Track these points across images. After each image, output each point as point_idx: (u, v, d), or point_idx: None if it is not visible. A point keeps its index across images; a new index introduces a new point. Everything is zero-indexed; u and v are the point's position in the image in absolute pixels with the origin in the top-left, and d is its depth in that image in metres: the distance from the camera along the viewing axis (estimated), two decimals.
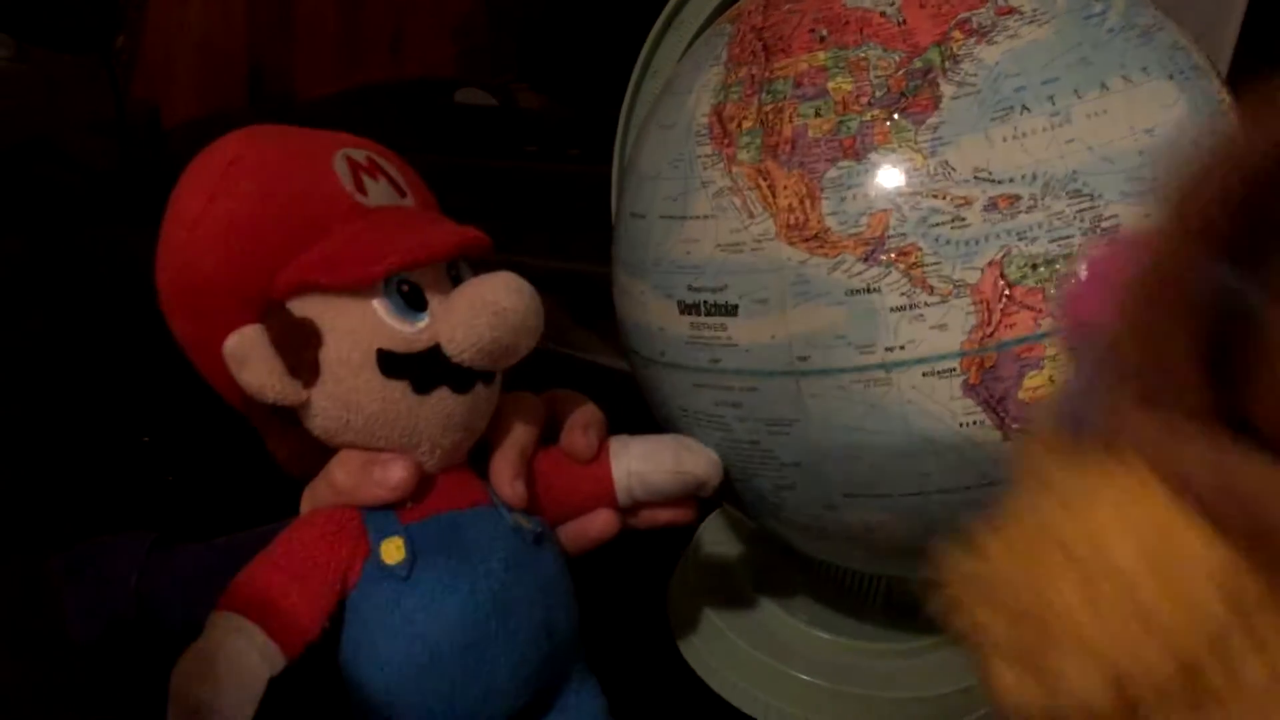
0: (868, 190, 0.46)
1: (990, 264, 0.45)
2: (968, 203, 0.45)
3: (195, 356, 0.46)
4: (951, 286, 0.45)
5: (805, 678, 0.62)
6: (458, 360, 0.44)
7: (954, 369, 0.46)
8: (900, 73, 0.47)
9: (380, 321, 0.43)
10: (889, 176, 0.46)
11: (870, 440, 0.48)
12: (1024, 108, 0.46)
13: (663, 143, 0.53)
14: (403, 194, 0.47)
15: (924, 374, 0.46)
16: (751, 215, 0.48)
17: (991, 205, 0.45)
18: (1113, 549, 0.21)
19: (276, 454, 0.48)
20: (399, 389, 0.44)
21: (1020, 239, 0.45)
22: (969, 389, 0.46)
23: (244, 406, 0.46)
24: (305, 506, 0.48)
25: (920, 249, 0.46)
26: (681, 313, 0.51)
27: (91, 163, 1.14)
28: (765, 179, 0.48)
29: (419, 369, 0.44)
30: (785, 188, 0.47)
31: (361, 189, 0.45)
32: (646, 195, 0.53)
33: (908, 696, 0.62)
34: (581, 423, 0.52)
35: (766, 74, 0.49)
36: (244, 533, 0.51)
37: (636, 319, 0.55)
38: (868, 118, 0.47)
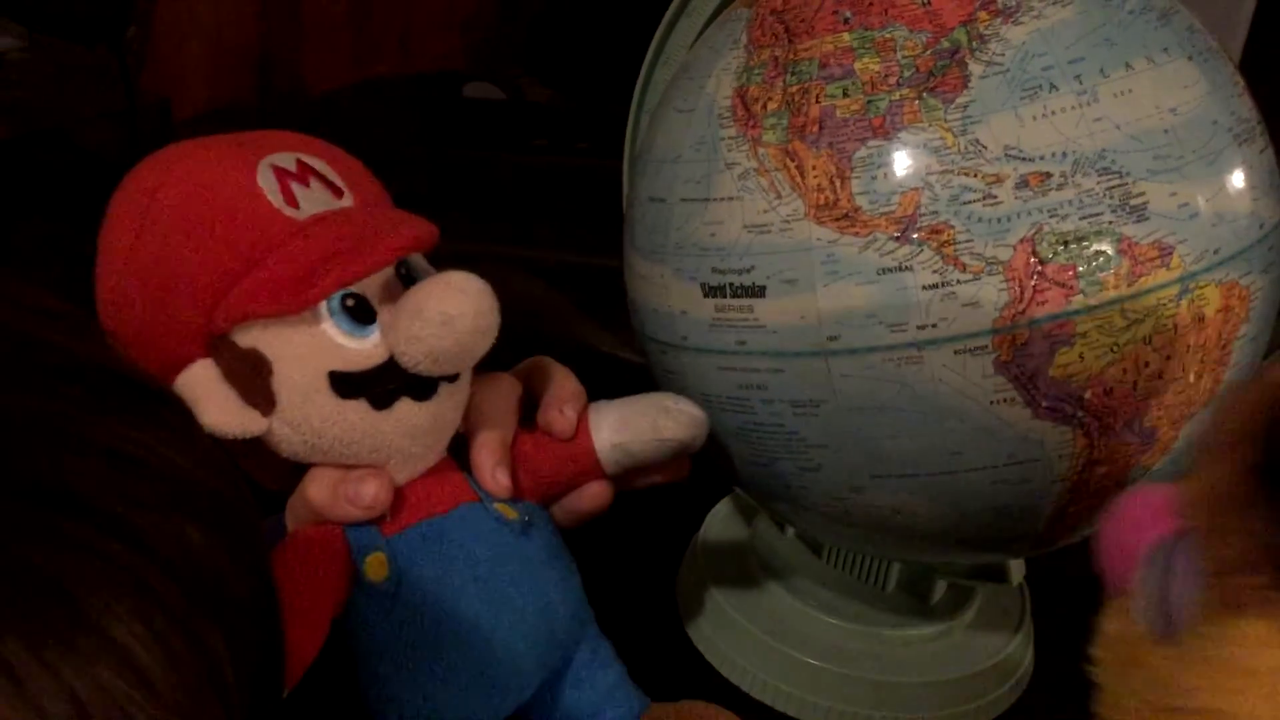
0: (898, 169, 0.46)
1: (1022, 241, 0.45)
2: (999, 180, 0.45)
3: None
4: (984, 264, 0.45)
5: (814, 662, 0.62)
6: (414, 371, 0.42)
7: (986, 346, 0.46)
8: (928, 53, 0.47)
9: (328, 342, 0.41)
10: (919, 155, 0.46)
11: (900, 419, 0.48)
12: (1052, 86, 0.46)
13: (682, 126, 0.53)
14: (339, 193, 0.44)
15: (955, 351, 0.46)
16: (779, 196, 0.48)
17: (1023, 183, 0.45)
18: None
19: (250, 473, 0.46)
20: (357, 409, 0.42)
21: (1052, 216, 0.45)
22: (1001, 366, 0.46)
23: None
24: (289, 520, 0.47)
25: (952, 227, 0.46)
26: (705, 295, 0.51)
27: (102, 153, 1.13)
28: (793, 159, 0.48)
29: (375, 385, 0.42)
30: (814, 168, 0.47)
31: (292, 201, 0.42)
32: (665, 179, 0.53)
33: (916, 681, 0.62)
34: (558, 400, 0.50)
35: (790, 55, 0.49)
36: None
37: (656, 304, 0.54)
38: (896, 97, 0.47)
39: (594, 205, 0.55)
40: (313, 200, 0.42)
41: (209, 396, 0.41)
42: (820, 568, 0.66)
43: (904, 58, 0.47)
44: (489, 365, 0.47)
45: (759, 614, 0.65)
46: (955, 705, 0.62)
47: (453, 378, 0.44)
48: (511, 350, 0.51)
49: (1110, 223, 0.45)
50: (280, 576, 0.41)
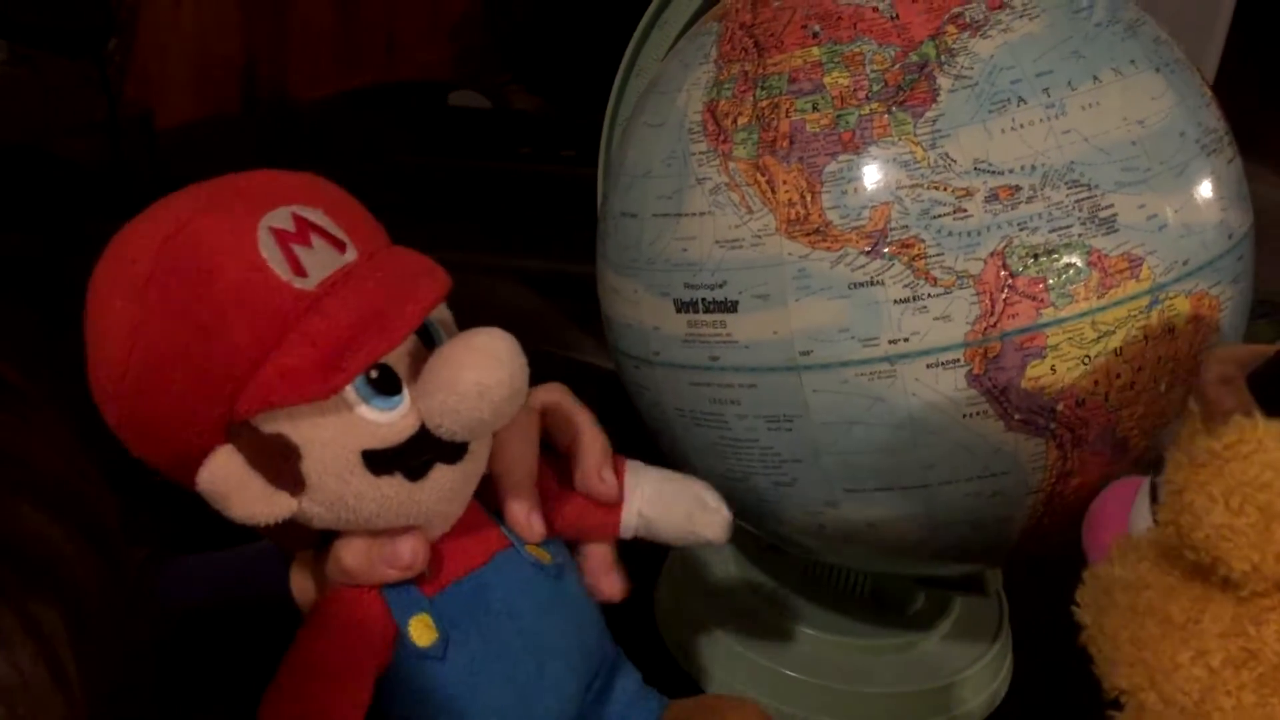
0: (868, 183, 0.46)
1: (993, 254, 0.45)
2: (969, 194, 0.46)
3: (171, 476, 0.41)
4: (955, 277, 0.46)
5: (791, 674, 0.62)
6: (449, 440, 0.41)
7: (958, 359, 0.46)
8: (896, 67, 0.47)
9: (357, 420, 0.39)
10: (889, 169, 0.46)
11: (873, 434, 0.48)
12: (1020, 99, 0.46)
13: (653, 141, 0.53)
14: (342, 247, 0.40)
15: (928, 365, 0.46)
16: (750, 211, 0.48)
17: (993, 196, 0.45)
18: None
19: (271, 540, 0.46)
20: (392, 483, 0.40)
21: (1021, 229, 0.45)
22: (973, 379, 0.46)
23: None
24: (299, 576, 0.46)
25: (923, 241, 0.46)
26: (678, 311, 0.51)
27: (84, 165, 1.12)
28: (764, 174, 0.48)
29: (409, 458, 0.40)
30: (785, 182, 0.47)
31: (298, 269, 0.39)
32: (637, 194, 0.53)
33: (893, 692, 0.62)
34: (596, 463, 0.49)
35: (760, 70, 0.49)
36: (233, 550, 0.49)
37: (628, 319, 0.54)
38: (866, 111, 0.47)
39: (579, 213, 0.55)
40: (318, 263, 0.39)
41: (238, 487, 0.39)
42: (795, 578, 0.66)
43: (873, 72, 0.47)
44: None
45: (736, 626, 0.64)
46: (933, 715, 0.62)
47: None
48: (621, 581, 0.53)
49: (1080, 235, 0.46)
50: (321, 646, 0.43)
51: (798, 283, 0.47)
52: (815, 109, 0.47)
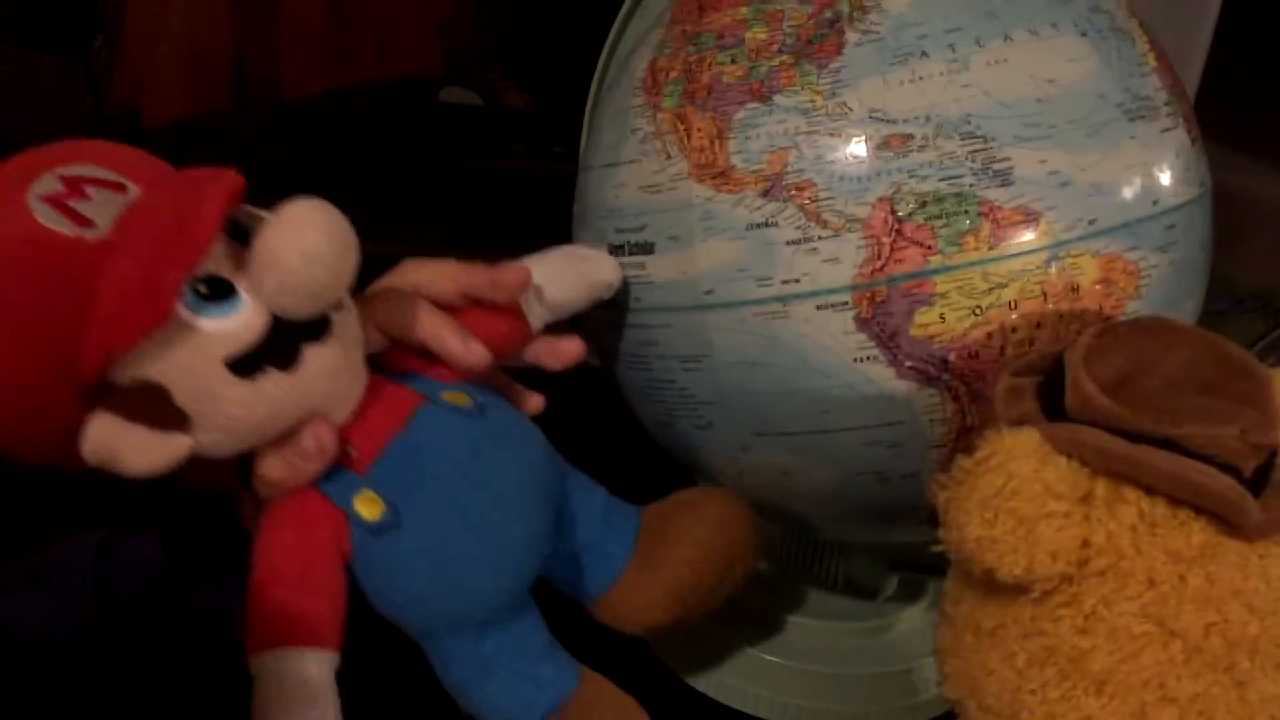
0: (771, 129, 0.48)
1: (880, 200, 0.47)
2: (862, 140, 0.47)
3: (70, 465, 0.40)
4: (844, 221, 0.47)
5: (769, 658, 0.63)
6: (300, 318, 0.40)
7: (846, 302, 0.47)
8: (811, 22, 0.49)
9: (206, 336, 0.38)
10: (790, 116, 0.48)
11: (771, 375, 0.50)
12: (923, 53, 0.47)
13: (608, 100, 0.56)
14: (122, 188, 0.39)
15: (818, 307, 0.48)
16: (669, 157, 0.51)
17: (884, 144, 0.47)
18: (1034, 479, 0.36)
19: (190, 485, 0.46)
20: (270, 380, 0.40)
21: (911, 176, 0.46)
22: (861, 323, 0.47)
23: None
24: (249, 512, 0.47)
25: (815, 184, 0.47)
26: (610, 254, 0.54)
27: None
28: (683, 123, 0.50)
29: (272, 349, 0.40)
30: (699, 130, 0.50)
31: (83, 222, 0.37)
32: (591, 150, 0.56)
33: (869, 673, 0.62)
34: (485, 273, 0.50)
35: (696, 29, 0.52)
36: None
37: None
38: (776, 63, 0.49)
39: (569, 209, 0.58)
40: (101, 210, 0.38)
41: (123, 445, 0.38)
42: (772, 563, 0.66)
43: (789, 27, 0.49)
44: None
45: (712, 612, 0.64)
46: (908, 696, 0.62)
47: (338, 305, 0.43)
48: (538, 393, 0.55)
49: (971, 185, 0.46)
50: (278, 557, 0.44)
51: (703, 224, 0.50)
52: (733, 61, 0.50)
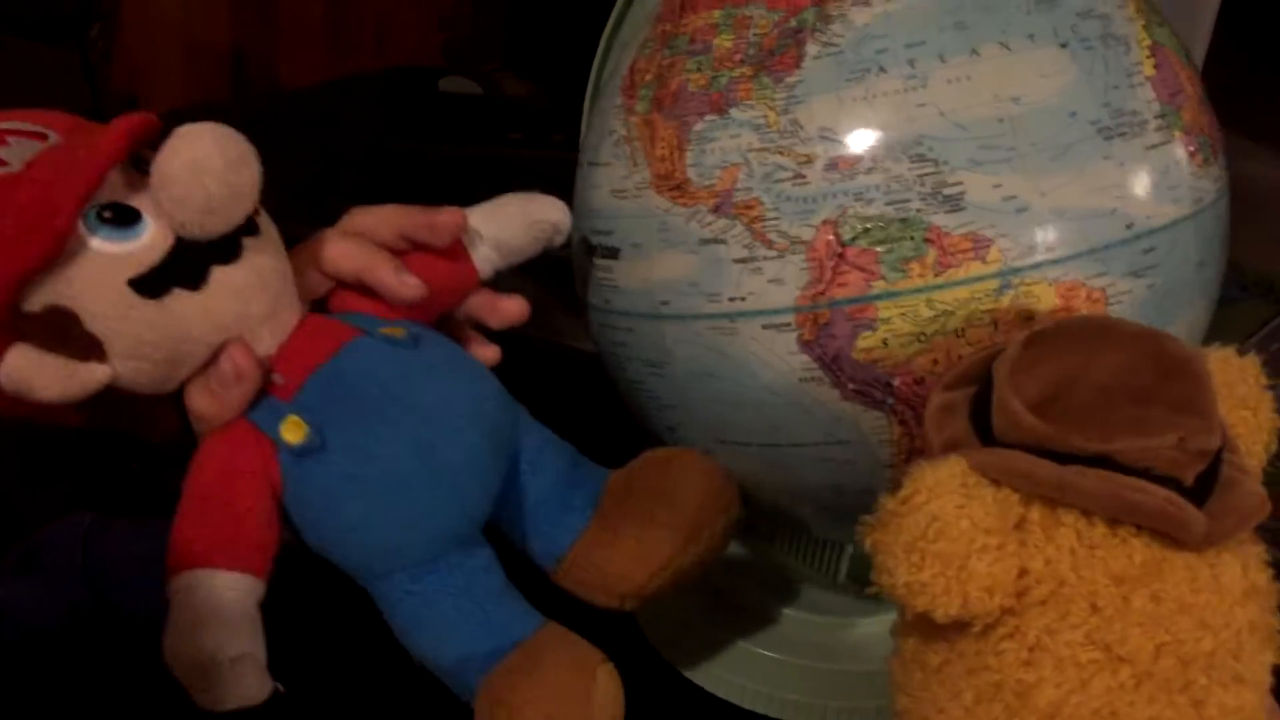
0: (725, 144, 0.48)
1: (825, 222, 0.46)
2: (810, 161, 0.46)
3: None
4: (788, 242, 0.46)
5: (767, 653, 0.62)
6: (203, 235, 0.41)
7: (789, 323, 0.47)
8: (775, 31, 0.48)
9: (110, 260, 0.40)
10: (744, 132, 0.47)
11: (724, 387, 0.50)
12: (881, 69, 0.46)
13: (604, 95, 0.56)
14: (43, 138, 0.41)
15: (763, 326, 0.48)
16: (635, 164, 0.51)
17: (832, 165, 0.46)
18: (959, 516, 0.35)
19: (150, 437, 0.48)
20: (178, 300, 0.41)
21: (857, 200, 0.45)
22: (804, 345, 0.47)
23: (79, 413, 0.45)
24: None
25: (762, 203, 0.47)
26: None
27: None
28: (649, 129, 0.50)
29: (176, 268, 0.41)
30: (662, 139, 0.50)
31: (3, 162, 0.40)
32: (583, 143, 0.57)
33: (868, 670, 0.61)
34: (424, 213, 0.50)
35: (674, 30, 0.52)
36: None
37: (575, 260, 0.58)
38: (736, 74, 0.48)
39: (569, 198, 0.58)
40: (18, 153, 0.40)
41: (37, 374, 0.40)
42: (769, 556, 0.66)
43: (754, 35, 0.48)
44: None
45: (710, 606, 0.65)
46: None
47: (251, 229, 0.43)
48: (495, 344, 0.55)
49: (918, 210, 0.45)
50: (202, 485, 0.44)
51: (660, 235, 0.50)
52: (699, 69, 0.49)
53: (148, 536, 0.48)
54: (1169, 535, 0.35)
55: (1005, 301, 0.45)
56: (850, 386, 0.47)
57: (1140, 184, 0.46)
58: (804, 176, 0.46)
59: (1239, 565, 0.36)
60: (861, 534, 0.37)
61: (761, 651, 0.62)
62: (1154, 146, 0.47)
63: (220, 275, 0.42)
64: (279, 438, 0.44)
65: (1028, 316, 0.46)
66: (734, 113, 0.48)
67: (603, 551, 0.49)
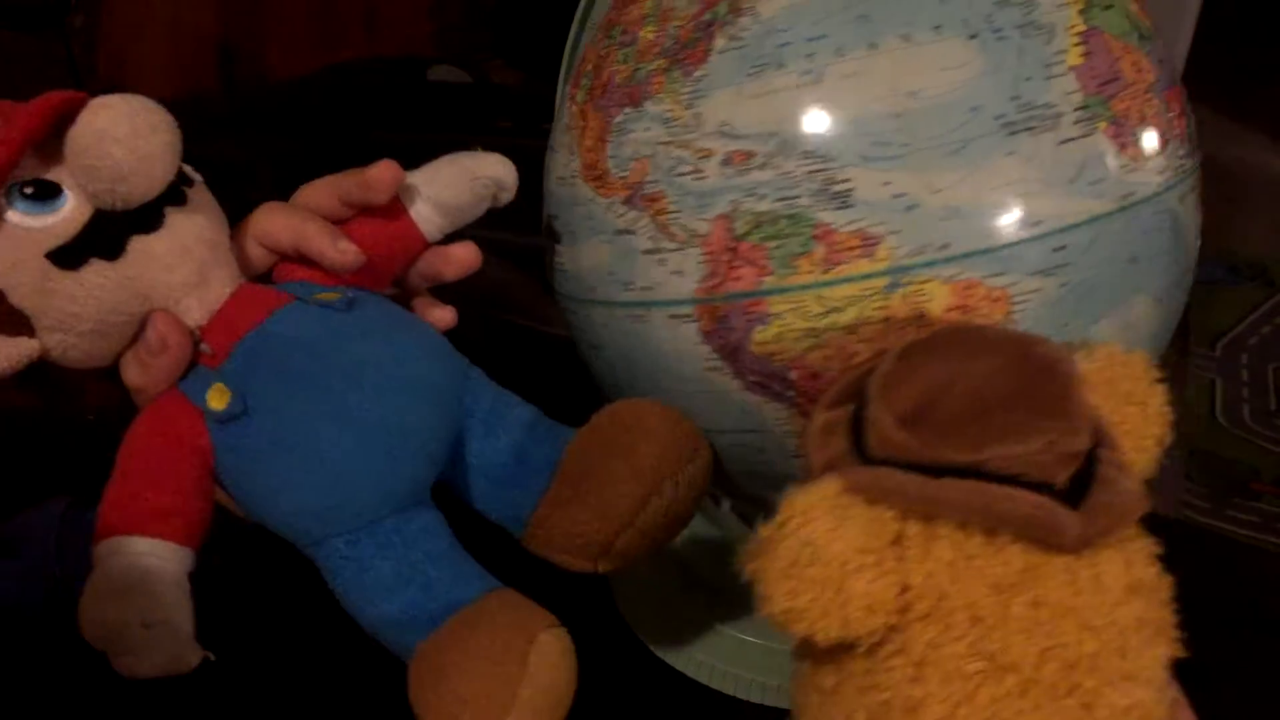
0: (638, 137, 0.49)
1: (720, 217, 0.47)
2: (708, 155, 0.47)
3: None
4: (687, 235, 0.47)
5: (749, 639, 0.63)
6: (117, 205, 0.41)
7: (690, 315, 0.48)
8: (691, 24, 0.49)
9: (28, 233, 0.41)
10: (653, 125, 0.48)
11: (645, 373, 0.51)
12: (780, 64, 0.46)
13: (568, 80, 0.58)
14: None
15: (670, 316, 0.49)
16: (572, 152, 0.52)
17: (728, 160, 0.46)
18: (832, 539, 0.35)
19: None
20: (96, 270, 0.42)
21: (749, 195, 0.46)
22: (706, 336, 0.48)
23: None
24: None
25: (666, 196, 0.48)
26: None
27: None
28: (583, 119, 0.52)
29: (93, 238, 0.42)
30: (590, 129, 0.51)
31: None
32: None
33: None
34: (357, 176, 0.49)
35: (616, 19, 0.53)
36: None
37: None
38: (653, 66, 0.49)
39: None
40: None
41: None
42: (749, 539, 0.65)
43: (673, 28, 0.49)
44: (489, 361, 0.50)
45: (692, 590, 0.65)
46: None
47: (176, 199, 0.44)
48: (478, 332, 0.56)
49: (807, 206, 0.45)
50: (132, 455, 0.44)
51: (586, 223, 0.51)
52: (625, 61, 0.50)
53: None
54: (1043, 541, 0.35)
55: (895, 300, 0.45)
56: (751, 378, 0.48)
57: (1050, 180, 0.45)
58: (702, 171, 0.47)
59: (1121, 563, 0.36)
60: (740, 563, 0.37)
61: (743, 637, 0.63)
62: (1069, 141, 0.45)
63: (139, 244, 0.43)
64: (205, 405, 0.44)
65: (920, 315, 0.45)
66: (647, 105, 0.49)
67: (565, 510, 0.48)
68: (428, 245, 0.52)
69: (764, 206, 0.46)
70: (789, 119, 0.45)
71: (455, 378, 0.49)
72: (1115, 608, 0.35)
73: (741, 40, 0.47)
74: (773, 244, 0.46)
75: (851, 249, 0.45)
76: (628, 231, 0.49)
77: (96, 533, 0.42)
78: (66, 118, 0.41)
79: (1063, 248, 0.45)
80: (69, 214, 0.41)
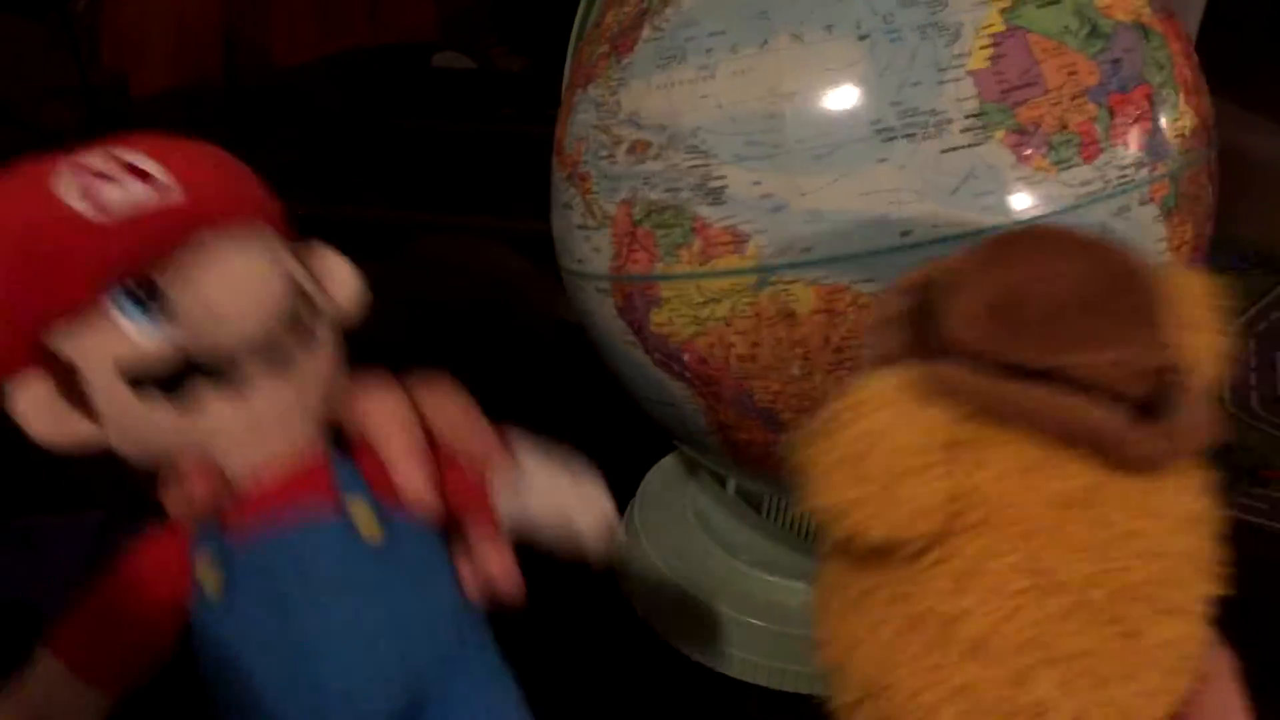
0: (581, 118, 0.52)
1: (623, 202, 0.49)
2: (619, 142, 0.49)
3: None
4: (602, 216, 0.50)
5: (754, 621, 0.61)
6: (203, 357, 0.38)
7: (607, 289, 0.51)
8: (634, 12, 0.51)
9: (116, 334, 0.37)
10: (591, 109, 0.51)
11: (600, 340, 0.55)
12: (683, 58, 0.47)
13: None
14: (159, 187, 0.38)
15: (596, 289, 0.52)
16: (560, 129, 0.56)
17: (632, 148, 0.49)
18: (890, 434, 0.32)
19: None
20: (150, 398, 0.38)
21: (645, 184, 0.48)
22: (619, 312, 0.51)
23: None
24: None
25: (591, 178, 0.51)
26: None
27: (53, 129, 1.05)
28: (568, 97, 0.56)
29: (168, 374, 0.38)
30: (565, 107, 0.55)
31: (94, 200, 0.37)
32: None
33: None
34: (482, 443, 0.44)
35: (607, 3, 0.55)
36: None
37: None
38: (600, 51, 0.52)
39: None
40: (120, 197, 0.38)
41: (32, 407, 0.39)
42: (760, 524, 0.66)
43: (623, 13, 0.52)
44: (453, 332, 0.51)
45: (698, 573, 0.64)
46: None
47: (274, 360, 0.39)
48: (480, 319, 0.58)
49: (688, 200, 0.47)
50: (119, 584, 0.41)
51: (556, 196, 0.55)
52: (592, 43, 0.53)
53: None
54: (1109, 458, 0.32)
55: (764, 297, 0.46)
56: (655, 355, 0.51)
57: (925, 190, 0.44)
58: (614, 157, 0.49)
59: (1181, 491, 0.34)
60: (787, 451, 0.34)
61: (748, 619, 0.62)
62: (955, 149, 0.44)
63: (212, 401, 0.39)
64: (196, 567, 0.41)
65: (789, 314, 0.46)
66: (590, 89, 0.52)
67: None
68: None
69: (655, 196, 0.48)
70: (680, 113, 0.47)
71: (443, 649, 0.44)
72: (1170, 536, 0.33)
73: (661, 31, 0.48)
74: (660, 233, 0.48)
75: (724, 244, 0.46)
76: (569, 206, 0.53)
77: (54, 630, 0.40)
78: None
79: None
80: (153, 334, 0.38)
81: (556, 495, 0.45)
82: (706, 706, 0.60)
